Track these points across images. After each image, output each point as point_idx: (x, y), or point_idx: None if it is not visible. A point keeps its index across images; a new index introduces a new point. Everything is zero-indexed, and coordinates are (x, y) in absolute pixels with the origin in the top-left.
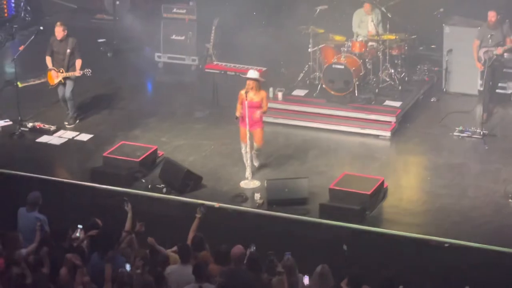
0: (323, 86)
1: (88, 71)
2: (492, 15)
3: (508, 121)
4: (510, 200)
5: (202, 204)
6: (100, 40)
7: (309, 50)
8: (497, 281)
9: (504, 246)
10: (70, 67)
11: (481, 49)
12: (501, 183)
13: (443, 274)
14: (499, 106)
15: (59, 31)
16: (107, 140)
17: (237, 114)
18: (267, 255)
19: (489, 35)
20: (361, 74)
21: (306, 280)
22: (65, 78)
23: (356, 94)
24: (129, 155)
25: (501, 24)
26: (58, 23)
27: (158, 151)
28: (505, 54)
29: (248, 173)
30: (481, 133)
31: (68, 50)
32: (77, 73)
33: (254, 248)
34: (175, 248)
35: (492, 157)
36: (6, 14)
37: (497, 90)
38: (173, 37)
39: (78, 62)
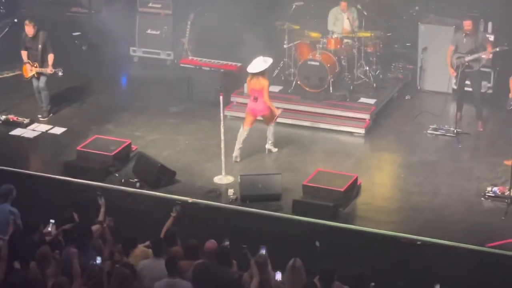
0: (298, 82)
1: (59, 70)
2: (467, 24)
3: (482, 119)
4: (482, 199)
5: (179, 203)
6: (75, 34)
7: (285, 46)
8: (468, 279)
9: (476, 244)
10: (43, 61)
11: (455, 54)
12: (474, 181)
13: (414, 272)
14: (472, 105)
15: (30, 29)
16: (81, 134)
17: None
18: (241, 249)
19: (464, 40)
20: (336, 71)
21: (278, 275)
22: (38, 73)
23: (331, 91)
24: (103, 149)
25: (476, 32)
26: (27, 22)
27: (132, 146)
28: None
29: (236, 154)
30: (455, 131)
31: (40, 46)
32: (49, 70)
33: (228, 243)
34: (147, 242)
35: (465, 155)
36: None
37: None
38: (149, 31)
39: (50, 57)
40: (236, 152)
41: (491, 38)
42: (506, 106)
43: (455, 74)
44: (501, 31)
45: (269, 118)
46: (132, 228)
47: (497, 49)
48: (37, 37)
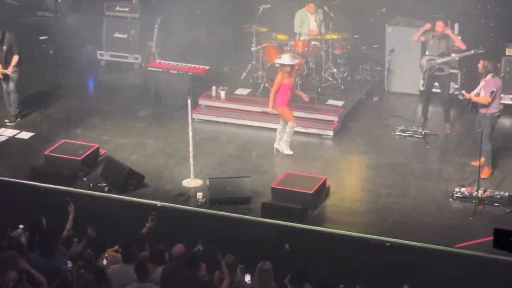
0: (266, 85)
1: (14, 71)
2: (439, 26)
3: (449, 122)
4: (451, 200)
5: (154, 214)
6: (41, 38)
7: (252, 49)
8: (437, 280)
9: (445, 245)
10: (7, 63)
11: (424, 56)
12: (442, 182)
13: (384, 273)
14: (440, 106)
15: None
16: (49, 139)
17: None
18: (211, 251)
19: (431, 41)
20: (304, 73)
21: (247, 278)
22: (3, 74)
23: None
24: (71, 153)
25: (447, 35)
26: None
27: (100, 150)
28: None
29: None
30: (422, 132)
31: (5, 48)
32: (9, 70)
33: (201, 247)
34: (116, 247)
35: (433, 156)
36: None
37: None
38: (116, 35)
39: (15, 58)
40: (275, 143)
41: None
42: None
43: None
44: (468, 32)
45: (282, 114)
46: (101, 233)
47: (472, 52)
48: (3, 40)
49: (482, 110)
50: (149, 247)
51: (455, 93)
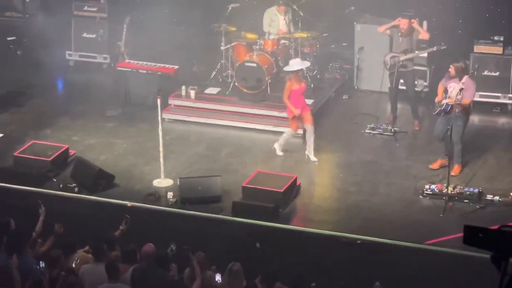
0: (236, 84)
1: None
2: (404, 23)
3: (418, 118)
4: (421, 197)
5: (127, 217)
6: (9, 38)
7: (221, 48)
8: (408, 276)
9: (415, 242)
10: None
11: (388, 54)
12: (412, 179)
13: (355, 271)
14: (408, 104)
15: None
16: (17, 140)
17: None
18: (182, 250)
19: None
20: (273, 72)
21: (218, 277)
22: None
23: (269, 92)
24: (40, 154)
25: (412, 32)
26: None
27: (70, 150)
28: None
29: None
30: (392, 130)
31: None
32: None
33: (174, 247)
34: (87, 247)
35: (403, 154)
36: None
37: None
38: (84, 35)
39: None
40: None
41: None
42: (432, 111)
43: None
44: (436, 29)
45: (290, 121)
46: (71, 233)
47: (434, 49)
48: None
49: (458, 111)
50: (119, 247)
51: (443, 107)
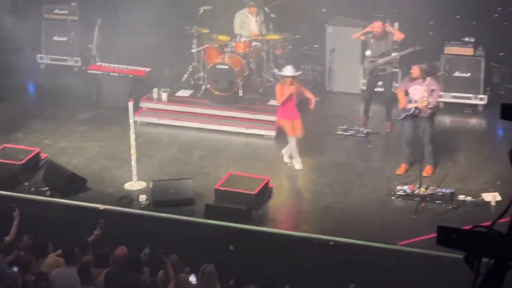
0: (208, 86)
1: None
2: (377, 26)
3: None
4: (393, 198)
5: (102, 221)
6: None
7: (193, 50)
8: (382, 278)
9: (388, 243)
10: None
11: (366, 59)
12: (385, 180)
13: (328, 272)
14: (382, 105)
15: None
16: None
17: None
18: (157, 254)
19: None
20: (245, 74)
21: (192, 278)
22: None
23: (241, 94)
24: (12, 158)
25: (386, 35)
26: None
27: (41, 154)
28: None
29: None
30: (364, 131)
31: None
32: None
33: (148, 250)
34: (59, 251)
35: (375, 155)
36: None
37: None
38: (55, 38)
39: None
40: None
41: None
42: (396, 116)
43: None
44: (407, 31)
45: (301, 126)
46: (43, 237)
47: (410, 50)
48: None
49: (425, 113)
50: (92, 251)
51: (411, 111)
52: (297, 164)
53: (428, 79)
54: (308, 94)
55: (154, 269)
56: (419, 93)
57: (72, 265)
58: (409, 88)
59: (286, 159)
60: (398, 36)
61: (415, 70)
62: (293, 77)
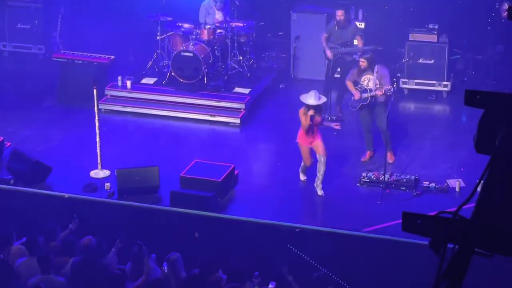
0: (173, 74)
1: None
2: (340, 14)
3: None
4: (358, 185)
5: (75, 217)
6: None
7: (158, 38)
8: (348, 264)
9: (354, 230)
10: None
11: (328, 44)
12: (351, 167)
13: (294, 259)
14: (347, 92)
15: None
16: None
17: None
18: (135, 245)
19: (336, 31)
20: (210, 61)
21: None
22: None
23: (206, 82)
24: None
25: (349, 23)
26: None
27: (5, 142)
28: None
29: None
30: (329, 118)
31: None
32: None
33: (120, 241)
34: (24, 239)
35: (342, 141)
36: None
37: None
38: (19, 25)
39: None
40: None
41: (362, 25)
42: (351, 107)
43: (331, 56)
44: (371, 18)
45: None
46: (7, 226)
47: (371, 47)
48: None
49: (381, 100)
50: (60, 239)
51: (367, 101)
52: (319, 191)
53: (377, 66)
54: (328, 124)
55: (123, 259)
56: (371, 82)
57: (35, 255)
58: (359, 79)
59: (302, 177)
60: (359, 44)
61: (364, 63)
62: (315, 106)
